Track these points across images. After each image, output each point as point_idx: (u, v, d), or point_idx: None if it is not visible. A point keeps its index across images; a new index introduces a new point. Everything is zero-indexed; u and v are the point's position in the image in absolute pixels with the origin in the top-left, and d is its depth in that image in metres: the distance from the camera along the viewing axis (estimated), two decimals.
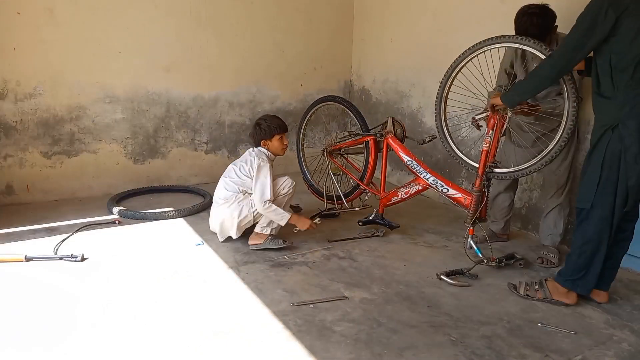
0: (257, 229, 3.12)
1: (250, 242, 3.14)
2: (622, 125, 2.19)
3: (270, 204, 2.99)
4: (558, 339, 2.26)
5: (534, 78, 2.46)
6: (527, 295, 2.59)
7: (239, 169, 3.15)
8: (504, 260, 2.93)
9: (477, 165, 2.94)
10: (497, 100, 2.69)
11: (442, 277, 2.73)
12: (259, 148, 3.19)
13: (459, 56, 2.97)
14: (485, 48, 2.88)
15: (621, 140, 2.19)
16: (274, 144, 3.18)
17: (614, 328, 2.36)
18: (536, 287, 2.60)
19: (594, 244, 2.37)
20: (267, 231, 3.11)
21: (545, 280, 2.60)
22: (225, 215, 3.11)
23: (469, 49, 2.92)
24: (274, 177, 3.11)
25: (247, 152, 3.26)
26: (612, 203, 2.28)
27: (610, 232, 2.33)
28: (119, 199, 3.95)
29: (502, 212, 3.32)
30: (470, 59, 2.96)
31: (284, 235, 3.18)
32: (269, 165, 3.07)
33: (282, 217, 3.03)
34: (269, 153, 3.18)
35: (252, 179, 3.06)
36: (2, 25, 3.57)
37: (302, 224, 3.14)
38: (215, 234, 3.26)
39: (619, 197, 2.27)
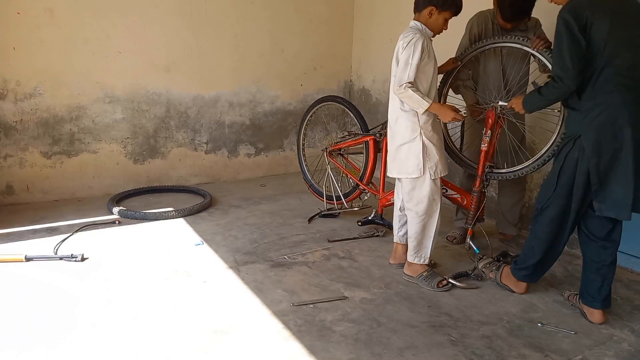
0: (408, 257, 2.79)
1: (405, 270, 2.83)
2: (584, 137, 2.22)
3: (407, 87, 2.48)
4: (558, 339, 2.26)
5: (546, 98, 2.39)
6: (482, 270, 2.77)
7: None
8: (501, 259, 2.93)
9: (475, 166, 2.94)
10: (519, 106, 2.54)
11: (450, 280, 2.72)
12: (415, 22, 2.61)
13: (459, 56, 2.97)
14: (484, 48, 2.89)
15: (580, 150, 2.23)
16: (439, 20, 2.58)
17: (614, 328, 2.36)
18: (494, 268, 2.74)
19: (540, 241, 2.45)
20: (418, 259, 2.74)
21: (505, 266, 2.71)
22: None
23: (482, 43, 2.92)
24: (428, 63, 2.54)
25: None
26: (563, 206, 2.34)
27: (562, 232, 2.40)
28: (119, 199, 3.95)
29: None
30: (469, 59, 2.96)
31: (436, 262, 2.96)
32: (423, 41, 2.49)
33: (419, 104, 2.50)
34: (425, 28, 2.58)
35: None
36: (2, 25, 3.57)
37: (445, 115, 2.58)
38: (216, 233, 3.25)
39: (574, 201, 2.32)
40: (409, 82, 2.48)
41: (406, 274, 2.80)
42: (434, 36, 2.63)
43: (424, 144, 2.59)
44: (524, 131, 3.01)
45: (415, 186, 2.65)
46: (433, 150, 2.61)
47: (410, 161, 2.62)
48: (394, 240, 2.96)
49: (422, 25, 2.58)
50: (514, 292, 2.63)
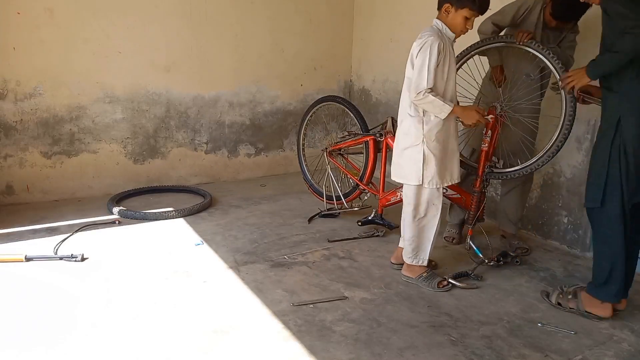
0: (406, 259, 2.73)
1: (404, 272, 2.79)
2: (624, 119, 2.17)
3: (426, 94, 2.39)
4: (558, 339, 2.26)
5: (618, 55, 2.21)
6: (559, 304, 2.50)
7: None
8: (501, 259, 2.94)
9: (476, 166, 2.94)
10: (581, 76, 2.40)
11: (450, 280, 2.71)
12: (436, 21, 2.51)
13: (460, 53, 2.98)
14: (484, 48, 2.89)
15: (622, 135, 2.18)
16: (457, 19, 2.44)
17: (614, 328, 2.36)
18: (569, 296, 2.49)
19: (611, 244, 2.31)
20: (416, 261, 2.70)
21: (581, 290, 2.49)
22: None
23: (469, 47, 2.93)
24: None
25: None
26: (621, 199, 2.25)
27: (626, 230, 2.28)
28: (119, 199, 3.95)
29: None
30: (470, 58, 2.97)
31: (436, 263, 2.93)
32: (438, 43, 2.40)
33: (441, 109, 2.43)
34: (446, 28, 2.47)
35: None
36: (2, 25, 3.57)
37: (469, 117, 2.54)
38: (216, 233, 3.24)
39: (625, 193, 2.24)
40: (429, 88, 2.39)
41: (405, 275, 2.78)
42: (456, 37, 2.51)
43: (424, 154, 2.52)
44: (536, 129, 2.94)
45: (414, 191, 2.61)
46: (432, 161, 2.53)
47: (409, 168, 2.58)
48: (400, 245, 2.88)
49: (443, 25, 2.47)
50: (601, 318, 2.39)
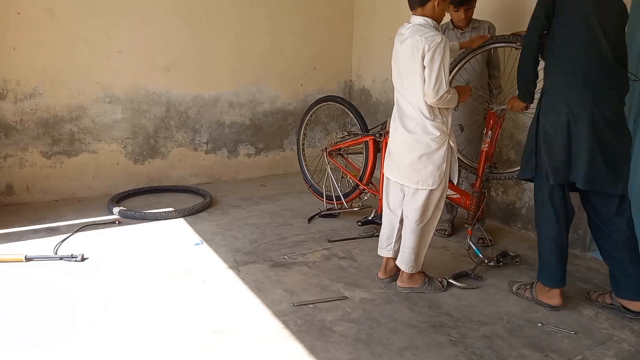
0: (406, 269, 2.58)
1: (403, 285, 2.64)
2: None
3: (446, 94, 2.32)
4: (558, 339, 2.26)
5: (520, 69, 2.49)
6: (517, 292, 2.62)
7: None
8: (501, 259, 2.94)
9: (476, 166, 2.95)
10: (519, 103, 2.58)
11: (451, 280, 2.71)
12: (423, 18, 2.37)
13: (459, 55, 2.98)
14: (485, 48, 2.89)
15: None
16: (444, 10, 2.42)
17: (614, 328, 2.36)
18: (528, 287, 2.59)
19: (544, 227, 2.44)
20: (416, 268, 2.58)
21: (537, 282, 2.56)
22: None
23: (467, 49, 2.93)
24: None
25: (407, 34, 2.38)
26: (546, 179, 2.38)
27: (557, 214, 2.40)
28: (119, 199, 3.95)
29: None
30: (470, 59, 2.97)
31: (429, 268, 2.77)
32: (447, 41, 2.32)
33: (455, 100, 2.41)
34: (435, 22, 2.39)
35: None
36: (2, 25, 3.57)
37: (466, 94, 2.53)
38: (216, 233, 3.22)
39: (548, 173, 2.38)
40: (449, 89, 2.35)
41: (406, 287, 2.62)
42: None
43: (449, 152, 2.43)
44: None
45: (427, 194, 2.46)
46: (455, 157, 2.48)
47: (430, 172, 2.42)
48: (386, 255, 2.71)
49: (432, 20, 2.37)
50: (553, 307, 2.47)
